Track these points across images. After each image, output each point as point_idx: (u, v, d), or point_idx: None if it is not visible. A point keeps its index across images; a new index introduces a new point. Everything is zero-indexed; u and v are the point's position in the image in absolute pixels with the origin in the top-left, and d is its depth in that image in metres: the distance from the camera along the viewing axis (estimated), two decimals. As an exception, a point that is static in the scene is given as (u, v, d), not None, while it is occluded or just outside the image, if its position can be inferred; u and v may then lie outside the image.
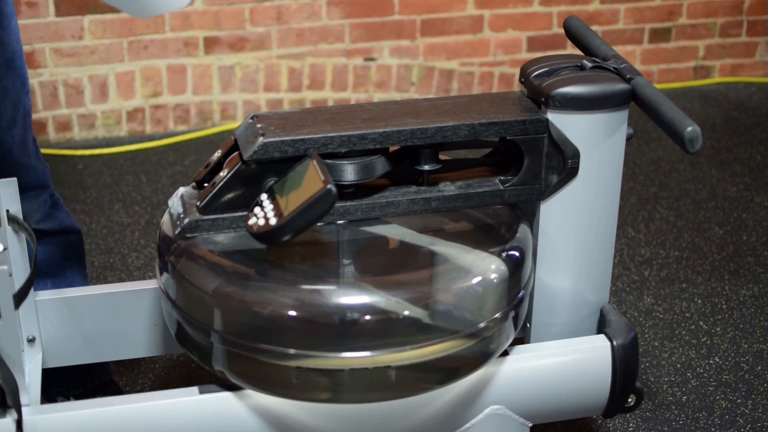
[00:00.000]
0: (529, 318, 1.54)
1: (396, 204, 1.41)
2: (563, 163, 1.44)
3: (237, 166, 1.35)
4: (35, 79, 3.14)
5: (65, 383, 1.88)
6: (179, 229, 1.36)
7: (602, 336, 1.51)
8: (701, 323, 2.28)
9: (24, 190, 1.72)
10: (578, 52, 1.61)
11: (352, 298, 1.28)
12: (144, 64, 3.19)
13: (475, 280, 1.33)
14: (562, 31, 2.90)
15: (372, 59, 3.37)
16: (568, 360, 1.49)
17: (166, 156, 3.12)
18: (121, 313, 1.60)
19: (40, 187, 1.77)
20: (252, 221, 1.30)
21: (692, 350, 2.18)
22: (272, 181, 1.35)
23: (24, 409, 1.32)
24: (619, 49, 3.51)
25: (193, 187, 1.43)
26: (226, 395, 1.37)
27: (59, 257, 1.83)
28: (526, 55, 3.48)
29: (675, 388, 2.06)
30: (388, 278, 1.32)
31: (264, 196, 1.32)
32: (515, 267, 1.38)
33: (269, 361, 1.29)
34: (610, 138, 1.45)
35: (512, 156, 1.48)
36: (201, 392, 1.37)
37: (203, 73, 3.26)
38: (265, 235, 1.27)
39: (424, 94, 3.46)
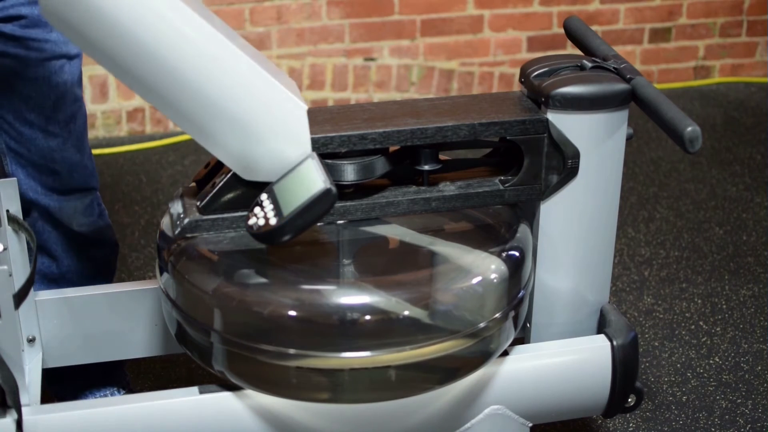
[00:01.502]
0: (529, 318, 1.54)
1: (396, 204, 1.41)
2: (563, 163, 1.44)
3: (237, 166, 1.35)
4: (35, 79, 3.14)
5: (81, 392, 1.88)
6: (179, 229, 1.36)
7: (602, 336, 1.51)
8: (701, 323, 2.28)
9: (71, 191, 1.72)
10: (578, 52, 1.61)
11: (352, 298, 1.28)
12: (144, 64, 3.19)
13: (475, 280, 1.33)
14: (562, 31, 2.90)
15: (372, 59, 3.37)
16: (568, 360, 1.49)
17: (166, 156, 3.12)
18: (121, 313, 1.60)
19: (86, 189, 1.76)
20: (252, 221, 1.29)
21: (692, 350, 2.18)
22: (272, 181, 1.35)
23: (24, 409, 1.32)
24: (619, 49, 3.51)
25: (193, 187, 1.43)
26: (226, 395, 1.37)
27: (90, 269, 1.83)
28: (526, 55, 3.48)
29: (675, 388, 2.06)
30: (388, 278, 1.32)
31: (264, 196, 1.32)
32: (515, 267, 1.38)
33: (269, 361, 1.29)
34: (610, 138, 1.45)
35: (512, 156, 1.48)
36: (201, 392, 1.37)
37: (203, 73, 3.26)
38: (265, 235, 1.27)
39: (424, 94, 3.46)
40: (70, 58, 1.66)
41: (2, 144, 1.71)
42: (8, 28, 1.59)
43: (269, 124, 1.29)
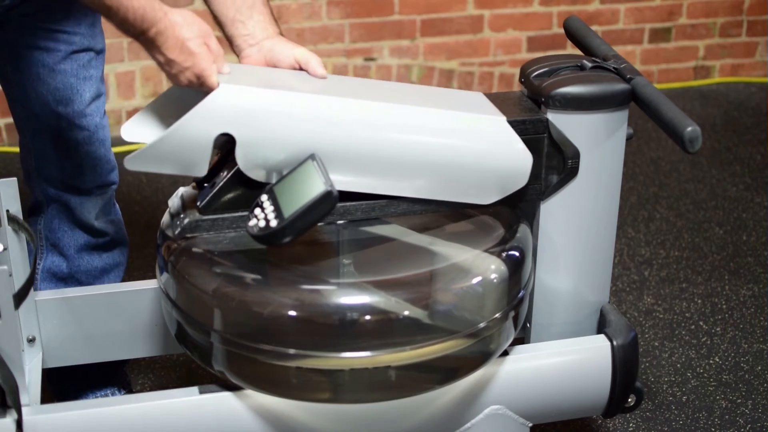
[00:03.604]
0: (529, 318, 1.54)
1: (396, 204, 1.41)
2: (563, 163, 1.44)
3: (237, 166, 1.34)
4: (35, 79, 3.13)
5: (83, 392, 1.88)
6: (179, 229, 1.36)
7: (602, 336, 1.51)
8: (701, 323, 2.28)
9: (93, 186, 1.72)
10: (578, 52, 1.61)
11: (352, 298, 1.28)
12: (144, 64, 3.19)
13: (475, 280, 1.33)
14: (562, 31, 2.90)
15: (372, 59, 3.37)
16: (568, 360, 1.49)
17: (166, 156, 3.11)
18: (121, 313, 1.60)
19: (108, 185, 1.76)
20: (252, 222, 1.29)
21: (692, 350, 2.18)
22: (273, 182, 1.35)
23: (24, 409, 1.32)
24: (619, 49, 3.51)
25: (193, 187, 1.43)
26: (226, 395, 1.37)
27: (100, 269, 1.83)
28: (526, 55, 3.48)
29: (675, 388, 2.06)
30: (388, 278, 1.32)
31: (264, 197, 1.32)
32: (515, 267, 1.38)
33: (269, 361, 1.29)
34: (610, 138, 1.45)
35: (512, 156, 1.48)
36: (201, 392, 1.37)
37: (203, 73, 3.26)
38: (266, 237, 1.27)
39: (424, 94, 3.45)
40: (97, 52, 1.67)
41: (27, 138, 1.70)
42: (39, 20, 1.59)
43: (495, 154, 1.38)
